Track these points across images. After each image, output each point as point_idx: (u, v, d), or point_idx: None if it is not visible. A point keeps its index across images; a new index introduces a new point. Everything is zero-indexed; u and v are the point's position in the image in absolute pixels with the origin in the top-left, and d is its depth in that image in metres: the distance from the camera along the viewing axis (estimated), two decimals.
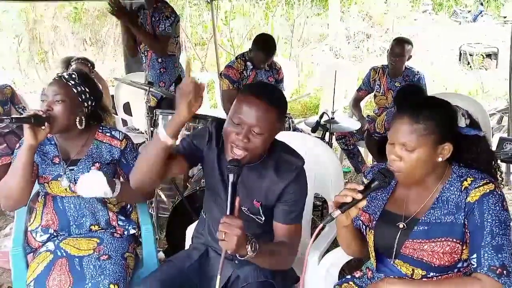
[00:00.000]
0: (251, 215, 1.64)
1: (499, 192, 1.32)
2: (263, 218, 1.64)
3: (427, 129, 1.32)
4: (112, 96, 4.45)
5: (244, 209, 1.63)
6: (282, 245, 1.59)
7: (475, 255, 1.29)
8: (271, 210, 1.63)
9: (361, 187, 1.34)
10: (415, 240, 1.39)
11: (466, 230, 1.33)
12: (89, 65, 3.81)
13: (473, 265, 1.30)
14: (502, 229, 1.28)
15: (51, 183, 1.88)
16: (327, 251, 1.96)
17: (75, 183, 1.85)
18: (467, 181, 1.35)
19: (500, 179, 1.44)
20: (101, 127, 1.98)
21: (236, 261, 1.67)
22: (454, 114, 1.39)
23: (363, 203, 1.34)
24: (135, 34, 3.48)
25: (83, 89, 1.86)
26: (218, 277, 1.35)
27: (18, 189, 1.78)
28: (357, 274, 1.65)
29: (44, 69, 8.86)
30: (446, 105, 1.39)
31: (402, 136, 1.34)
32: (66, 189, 1.89)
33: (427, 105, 1.37)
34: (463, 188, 1.34)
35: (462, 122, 1.39)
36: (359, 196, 1.31)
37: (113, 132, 1.99)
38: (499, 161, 1.71)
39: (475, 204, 1.30)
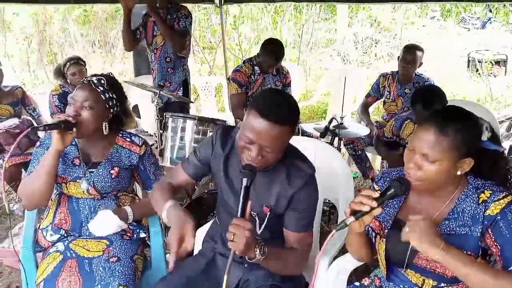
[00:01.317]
0: (258, 221, 1.64)
1: None
2: (260, 231, 1.64)
3: (453, 143, 1.29)
4: (125, 97, 4.46)
5: (253, 214, 1.63)
6: (292, 251, 1.60)
7: None
8: (279, 217, 1.63)
9: (377, 195, 1.32)
10: None
11: (487, 242, 1.31)
12: (82, 63, 3.80)
13: None
14: None
15: (70, 184, 1.89)
16: (335, 257, 1.95)
17: (94, 185, 1.88)
18: (485, 194, 1.32)
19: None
20: (121, 132, 2.00)
21: (246, 265, 1.67)
22: (480, 128, 1.36)
23: (378, 211, 1.32)
24: (161, 28, 3.47)
25: (110, 95, 1.87)
26: (225, 277, 1.35)
27: (41, 191, 1.80)
28: (366, 281, 1.64)
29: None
30: (474, 119, 1.36)
31: (425, 147, 1.30)
32: (83, 191, 1.91)
33: (455, 118, 1.33)
34: (480, 201, 1.32)
35: (485, 136, 1.36)
36: (374, 204, 1.30)
37: (132, 138, 2.00)
38: None
39: (498, 216, 1.28)
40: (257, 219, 1.64)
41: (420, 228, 1.25)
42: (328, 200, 2.60)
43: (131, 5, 3.35)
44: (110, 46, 9.96)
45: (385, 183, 1.54)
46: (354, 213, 1.31)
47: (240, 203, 1.38)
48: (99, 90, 1.84)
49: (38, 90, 7.63)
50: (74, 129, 1.77)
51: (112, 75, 1.95)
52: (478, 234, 1.31)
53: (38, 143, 1.94)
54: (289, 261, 1.57)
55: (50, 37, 9.40)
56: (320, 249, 2.07)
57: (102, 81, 1.86)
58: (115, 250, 1.84)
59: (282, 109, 1.43)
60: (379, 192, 1.34)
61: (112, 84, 1.89)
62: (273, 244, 1.56)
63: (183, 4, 3.64)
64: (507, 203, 1.28)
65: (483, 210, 1.30)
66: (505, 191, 1.32)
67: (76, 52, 8.85)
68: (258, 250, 1.41)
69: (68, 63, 3.71)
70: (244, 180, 1.40)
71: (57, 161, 1.79)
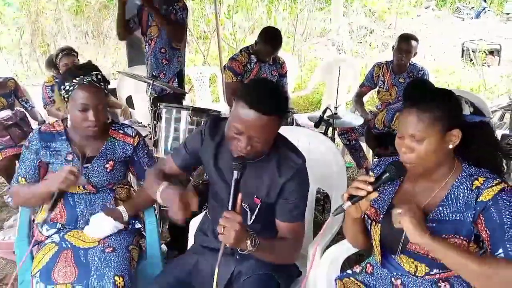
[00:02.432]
0: (248, 212, 1.65)
1: (510, 189, 1.32)
2: (251, 221, 1.65)
3: (434, 117, 1.33)
4: (115, 89, 4.45)
5: (244, 205, 1.64)
6: (284, 241, 1.61)
7: (501, 250, 1.27)
8: (270, 207, 1.64)
9: (372, 179, 1.35)
10: None
11: (478, 228, 1.33)
12: (75, 54, 3.78)
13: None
14: None
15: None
16: (329, 245, 1.97)
17: (89, 180, 1.89)
18: (478, 181, 1.34)
19: (505, 167, 1.45)
20: (113, 124, 2.00)
21: (237, 256, 1.68)
22: (458, 102, 1.40)
23: (374, 195, 1.35)
24: (158, 20, 3.43)
25: (107, 87, 1.88)
26: (216, 269, 1.37)
27: (36, 205, 1.94)
28: (357, 269, 1.65)
29: None
30: (450, 94, 1.41)
31: (410, 128, 1.35)
32: (78, 186, 1.90)
33: (431, 96, 1.38)
34: (473, 187, 1.34)
35: (467, 110, 1.41)
36: (370, 188, 1.33)
37: (125, 129, 2.01)
38: None
39: (490, 202, 1.30)
40: (248, 210, 1.65)
41: (413, 213, 1.30)
42: (322, 190, 2.61)
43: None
44: (103, 36, 9.87)
45: (380, 170, 1.55)
46: (351, 198, 1.34)
47: (231, 196, 1.40)
48: (102, 87, 1.84)
49: (31, 81, 7.56)
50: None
51: (94, 65, 1.93)
52: (471, 220, 1.33)
53: (27, 143, 1.92)
54: (282, 251, 1.59)
55: (42, 27, 9.30)
56: (313, 238, 2.10)
57: (100, 76, 1.85)
58: (110, 240, 1.85)
59: (270, 100, 1.44)
60: (375, 177, 1.37)
61: (102, 75, 1.89)
62: (265, 234, 1.58)
63: None
64: (499, 189, 1.30)
65: (476, 196, 1.33)
66: (498, 178, 1.35)
67: (69, 42, 8.76)
68: (249, 242, 1.42)
69: (60, 54, 3.69)
70: (235, 173, 1.42)
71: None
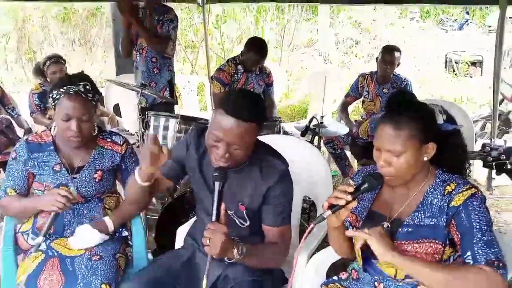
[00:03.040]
0: (237, 219, 1.67)
1: (480, 195, 1.38)
2: (247, 223, 1.67)
3: (410, 133, 1.38)
4: (102, 97, 4.45)
5: (230, 213, 1.66)
6: (271, 246, 1.63)
7: (469, 253, 1.33)
8: (255, 213, 1.66)
9: (352, 189, 1.39)
10: (399, 242, 1.43)
11: (451, 232, 1.38)
12: (63, 61, 3.77)
13: (469, 262, 1.34)
14: (488, 226, 1.35)
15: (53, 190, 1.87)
16: (315, 251, 2.00)
17: (78, 191, 1.90)
18: (450, 186, 1.40)
19: (469, 177, 1.53)
20: (102, 133, 2.00)
21: (225, 261, 1.69)
22: (432, 113, 1.45)
23: (354, 204, 1.39)
24: (140, 33, 3.46)
25: (96, 97, 1.88)
26: (204, 280, 1.39)
27: (26, 218, 1.95)
28: (343, 275, 1.68)
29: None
30: (424, 107, 1.45)
31: (387, 144, 1.40)
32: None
33: (406, 110, 1.42)
34: (446, 193, 1.40)
35: (440, 119, 1.45)
36: (349, 198, 1.37)
37: (113, 137, 2.01)
38: (472, 163, 1.80)
39: (461, 207, 1.36)
40: (235, 218, 1.67)
41: (378, 232, 1.37)
42: (308, 198, 2.64)
43: (131, 25, 3.38)
44: (91, 44, 9.85)
45: (360, 179, 1.60)
46: (331, 207, 1.38)
47: (214, 207, 1.42)
48: (89, 98, 1.83)
49: (17, 88, 7.50)
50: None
51: (86, 74, 1.93)
52: (444, 224, 1.39)
53: (14, 154, 1.91)
54: (269, 256, 1.61)
55: (29, 34, 9.24)
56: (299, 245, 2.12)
57: (88, 87, 1.84)
58: (97, 248, 1.85)
59: (247, 107, 1.48)
60: (354, 186, 1.41)
61: (93, 85, 1.88)
62: (254, 240, 1.60)
63: (168, 5, 3.62)
64: (469, 194, 1.37)
65: (448, 201, 1.39)
66: (469, 183, 1.41)
67: (55, 50, 8.73)
68: (236, 251, 1.45)
69: (48, 61, 3.68)
70: (217, 184, 1.44)
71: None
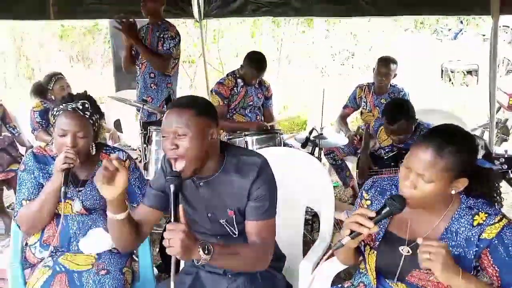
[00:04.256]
0: (228, 228, 1.66)
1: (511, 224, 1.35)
2: (237, 232, 1.66)
3: (449, 165, 1.30)
4: (103, 113, 4.47)
5: (222, 222, 1.66)
6: (249, 246, 1.59)
7: None
8: (244, 213, 1.64)
9: (373, 214, 1.32)
10: (422, 271, 1.40)
11: (483, 264, 1.35)
12: (63, 77, 3.85)
13: None
14: None
15: (59, 204, 1.89)
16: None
17: (83, 204, 1.92)
18: (479, 216, 1.36)
19: (499, 206, 1.46)
20: (104, 148, 2.03)
21: (229, 275, 1.69)
22: (476, 149, 1.38)
23: (375, 229, 1.31)
24: (140, 51, 3.49)
25: (96, 117, 1.90)
26: (172, 284, 1.36)
27: (44, 222, 1.91)
28: (346, 284, 1.69)
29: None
30: (471, 140, 1.37)
31: (421, 167, 1.31)
32: (72, 210, 1.93)
33: (453, 140, 1.33)
34: (475, 224, 1.35)
35: (480, 155, 1.39)
36: (371, 224, 1.30)
37: (116, 153, 2.03)
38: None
39: (495, 240, 1.32)
40: (227, 227, 1.66)
41: (443, 256, 1.24)
42: (311, 209, 2.67)
43: (131, 37, 3.41)
44: (89, 61, 9.91)
45: (376, 193, 1.55)
46: (351, 232, 1.32)
47: (171, 209, 1.41)
48: (87, 116, 1.86)
49: (16, 106, 7.52)
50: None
51: (89, 94, 1.96)
52: (472, 257, 1.35)
53: (22, 166, 1.94)
54: (247, 256, 1.55)
55: (27, 52, 9.30)
56: (303, 256, 2.14)
57: (86, 105, 1.87)
58: (104, 263, 1.86)
59: (182, 98, 1.64)
60: (375, 211, 1.34)
61: (93, 104, 1.91)
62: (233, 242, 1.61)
63: (170, 22, 3.65)
64: (502, 226, 1.33)
65: (479, 234, 1.34)
66: (499, 212, 1.37)
67: (53, 67, 8.75)
68: (201, 251, 1.39)
69: (54, 78, 3.77)
70: (171, 187, 1.44)
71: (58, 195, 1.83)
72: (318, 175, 2.33)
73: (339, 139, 3.48)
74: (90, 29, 9.74)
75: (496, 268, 1.33)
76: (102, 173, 1.44)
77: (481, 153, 1.39)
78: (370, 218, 1.31)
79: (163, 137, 1.55)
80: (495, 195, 1.45)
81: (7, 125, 3.69)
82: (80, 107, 1.85)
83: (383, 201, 1.42)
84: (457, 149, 1.31)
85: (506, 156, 2.13)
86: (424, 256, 1.26)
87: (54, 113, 1.86)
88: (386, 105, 3.23)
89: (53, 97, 3.78)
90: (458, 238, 1.37)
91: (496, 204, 1.45)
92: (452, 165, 1.30)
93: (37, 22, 8.59)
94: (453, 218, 1.39)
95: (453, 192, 1.35)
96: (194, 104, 1.56)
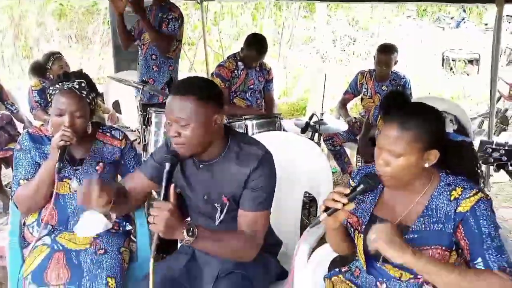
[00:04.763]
0: (220, 213, 1.66)
1: (487, 198, 1.36)
2: (217, 222, 1.65)
3: (415, 136, 1.34)
4: (102, 94, 4.46)
5: (217, 206, 1.66)
6: (237, 234, 1.59)
7: (480, 259, 1.32)
8: (238, 200, 1.63)
9: (347, 191, 1.37)
10: None
11: (458, 238, 1.37)
12: (62, 56, 3.84)
13: (480, 268, 1.32)
14: (497, 231, 1.34)
15: (57, 183, 1.87)
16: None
17: (80, 183, 1.90)
18: (456, 191, 1.38)
19: (482, 185, 1.49)
20: (101, 127, 2.02)
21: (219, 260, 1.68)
22: (442, 121, 1.41)
23: (351, 206, 1.36)
24: (146, 28, 3.43)
25: (92, 95, 1.89)
26: (151, 260, 1.42)
27: (41, 201, 1.88)
28: (343, 269, 1.70)
29: (29, 65, 8.75)
30: (435, 113, 1.42)
31: (389, 143, 1.36)
32: (70, 189, 1.92)
33: (416, 112, 1.39)
34: (452, 198, 1.38)
35: (450, 128, 1.43)
36: (345, 200, 1.34)
37: (112, 132, 2.03)
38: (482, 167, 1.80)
39: (468, 213, 1.34)
40: (219, 209, 1.66)
41: (386, 235, 1.28)
42: (309, 194, 2.67)
43: (122, 9, 3.34)
44: (88, 41, 9.81)
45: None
46: (327, 209, 1.36)
47: (163, 187, 1.42)
48: (83, 95, 1.85)
49: (14, 85, 7.48)
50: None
51: (84, 73, 1.95)
52: (451, 231, 1.37)
53: (18, 146, 1.93)
54: (232, 245, 1.56)
55: (25, 31, 9.20)
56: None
57: (83, 84, 1.86)
58: (102, 242, 1.87)
59: (185, 83, 1.59)
60: (350, 188, 1.39)
61: (89, 83, 1.90)
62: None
63: (174, 3, 3.60)
64: (476, 200, 1.34)
65: (455, 207, 1.36)
66: (475, 187, 1.38)
67: (52, 46, 8.70)
68: (185, 232, 1.40)
69: (52, 57, 3.74)
70: (167, 165, 1.46)
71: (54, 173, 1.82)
72: (317, 160, 2.33)
73: (339, 125, 3.47)
74: (89, 9, 9.63)
75: (467, 241, 1.34)
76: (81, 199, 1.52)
77: (451, 127, 1.43)
78: (346, 196, 1.35)
79: (167, 123, 1.54)
80: (476, 170, 1.48)
81: (5, 102, 3.67)
82: (77, 86, 1.84)
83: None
84: (421, 121, 1.35)
85: (506, 148, 2.12)
86: (371, 237, 1.31)
87: (51, 92, 1.86)
88: (383, 98, 3.20)
89: (51, 76, 3.75)
90: (438, 215, 1.40)
91: (479, 181, 1.47)
92: (418, 136, 1.34)
93: (36, 0, 8.54)
94: (433, 196, 1.42)
95: (426, 165, 1.38)
96: (197, 90, 1.51)
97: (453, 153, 1.43)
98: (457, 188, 1.38)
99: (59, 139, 1.76)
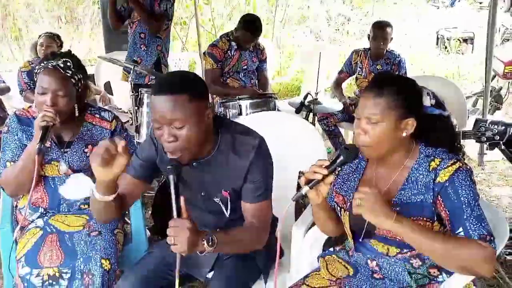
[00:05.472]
0: (222, 205, 1.64)
1: (465, 168, 1.37)
2: (228, 213, 1.63)
3: (391, 103, 1.36)
4: (93, 75, 4.39)
5: (216, 200, 1.63)
6: (247, 229, 1.59)
7: (461, 229, 1.32)
8: (240, 196, 1.62)
9: (327, 163, 1.37)
10: None
11: (438, 208, 1.37)
12: (57, 41, 3.75)
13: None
14: (476, 200, 1.34)
15: (45, 166, 1.87)
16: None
17: (69, 165, 1.87)
18: (434, 162, 1.38)
19: (462, 158, 1.48)
20: (89, 108, 1.98)
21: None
22: (419, 91, 1.44)
23: (330, 178, 1.36)
24: (135, 9, 3.37)
25: (79, 76, 1.84)
26: (176, 274, 1.35)
27: (27, 184, 1.79)
28: (338, 247, 1.70)
29: (18, 47, 8.60)
30: (410, 82, 1.44)
31: (366, 110, 1.38)
32: (59, 171, 1.89)
33: (392, 81, 1.42)
34: (431, 169, 1.38)
35: (427, 102, 1.43)
36: (325, 171, 1.34)
37: (102, 113, 1.99)
38: (464, 141, 1.81)
39: (447, 183, 1.35)
40: (221, 205, 1.63)
41: (370, 201, 1.30)
42: (303, 173, 2.67)
43: None
44: (77, 22, 9.63)
45: None
46: (308, 182, 1.35)
47: (173, 203, 1.34)
48: (68, 75, 1.79)
49: (3, 67, 7.36)
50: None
51: (73, 53, 1.90)
52: (431, 201, 1.37)
53: (5, 128, 1.90)
54: (246, 240, 1.57)
55: (14, 12, 9.01)
56: (295, 220, 2.15)
57: (68, 63, 1.80)
58: (95, 224, 1.85)
59: (172, 79, 1.45)
60: (329, 161, 1.39)
61: (76, 63, 1.85)
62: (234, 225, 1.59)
63: None
64: (455, 169, 1.35)
65: (433, 178, 1.37)
66: (454, 157, 1.39)
67: (41, 27, 8.51)
68: (205, 243, 1.38)
69: (43, 35, 3.68)
70: (171, 178, 1.37)
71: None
72: (312, 141, 2.31)
73: (334, 105, 3.45)
74: None
75: (447, 211, 1.35)
76: (101, 154, 1.33)
77: (428, 101, 1.44)
78: (326, 168, 1.35)
79: (156, 127, 1.41)
80: (455, 144, 1.49)
81: None
82: (62, 65, 1.79)
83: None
84: (396, 88, 1.38)
85: (499, 127, 2.12)
86: (354, 203, 1.32)
87: (36, 70, 1.81)
88: (372, 79, 3.15)
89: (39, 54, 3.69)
90: (418, 186, 1.40)
91: (458, 154, 1.48)
92: (394, 103, 1.36)
93: None
94: (413, 168, 1.42)
95: (404, 134, 1.39)
96: (189, 87, 1.41)
97: (430, 126, 1.44)
98: (435, 158, 1.39)
99: (40, 119, 1.72)
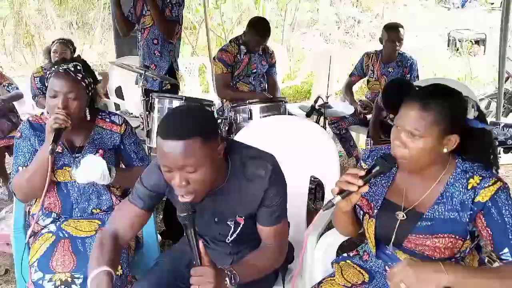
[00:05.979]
0: (233, 227, 1.61)
1: (505, 186, 1.33)
2: (230, 239, 1.62)
3: (437, 118, 1.29)
4: (100, 80, 4.43)
5: (230, 223, 1.59)
6: (264, 253, 1.57)
7: (506, 250, 1.30)
8: (254, 219, 1.58)
9: (362, 173, 1.32)
10: (418, 235, 1.39)
11: (477, 228, 1.34)
12: (71, 47, 3.78)
13: (508, 258, 1.31)
14: None
15: (57, 171, 1.88)
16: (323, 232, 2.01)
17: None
18: (474, 179, 1.34)
19: (496, 172, 1.44)
20: (100, 113, 1.99)
21: (230, 244, 1.67)
22: (465, 105, 1.35)
23: (365, 189, 1.32)
24: (152, 12, 3.37)
25: (89, 80, 1.86)
26: None
27: (39, 188, 1.79)
28: (352, 253, 1.68)
29: (31, 53, 8.71)
30: (458, 95, 1.36)
31: (410, 123, 1.31)
32: (71, 177, 1.90)
33: (439, 94, 1.34)
34: (470, 187, 1.34)
35: (471, 114, 1.36)
36: (361, 182, 1.30)
37: (112, 117, 2.00)
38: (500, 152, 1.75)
39: (489, 203, 1.31)
40: (232, 227, 1.60)
41: (410, 276, 1.22)
42: (314, 178, 2.65)
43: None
44: (89, 27, 9.72)
45: (373, 161, 1.52)
46: (341, 192, 1.32)
47: (195, 251, 1.31)
48: (79, 78, 1.82)
49: (16, 73, 7.45)
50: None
51: (83, 58, 1.92)
52: (467, 220, 1.34)
53: (18, 134, 1.92)
54: (264, 264, 1.55)
55: (26, 18, 9.13)
56: (307, 226, 2.14)
57: (79, 67, 1.83)
58: None
59: (181, 122, 1.33)
60: (365, 170, 1.34)
61: (86, 67, 1.88)
62: (249, 244, 1.59)
63: None
64: (496, 189, 1.31)
65: (473, 197, 1.33)
66: (493, 175, 1.35)
67: (53, 33, 8.63)
68: (228, 281, 1.37)
69: (56, 41, 3.72)
70: (189, 226, 1.32)
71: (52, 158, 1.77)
72: (323, 145, 2.29)
73: (345, 108, 3.43)
74: None
75: (490, 232, 1.32)
76: None
77: (472, 113, 1.37)
78: (361, 178, 1.31)
79: (165, 171, 1.35)
80: (492, 157, 1.44)
81: (2, 85, 3.62)
82: (72, 69, 1.81)
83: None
84: (443, 103, 1.30)
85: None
86: (397, 283, 1.23)
87: (48, 75, 1.84)
88: (384, 87, 3.12)
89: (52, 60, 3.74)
90: (453, 202, 1.36)
91: (492, 168, 1.43)
92: (439, 119, 1.29)
93: None
94: (448, 183, 1.37)
95: (444, 150, 1.34)
96: (199, 130, 1.31)
97: (473, 141, 1.38)
98: (474, 176, 1.34)
99: (52, 122, 1.73)
